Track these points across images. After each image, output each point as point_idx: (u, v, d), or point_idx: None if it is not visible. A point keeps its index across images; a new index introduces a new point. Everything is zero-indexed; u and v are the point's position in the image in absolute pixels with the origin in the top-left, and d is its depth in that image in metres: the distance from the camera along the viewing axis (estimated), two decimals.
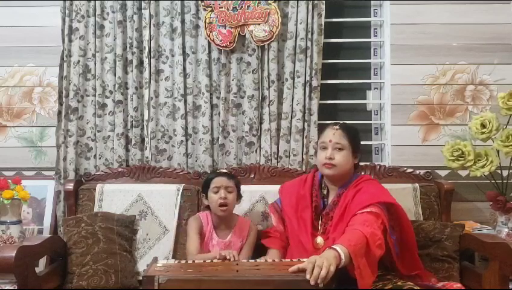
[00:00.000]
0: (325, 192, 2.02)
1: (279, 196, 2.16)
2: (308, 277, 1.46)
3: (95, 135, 2.49)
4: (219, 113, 2.49)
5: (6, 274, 1.87)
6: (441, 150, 2.33)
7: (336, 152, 1.94)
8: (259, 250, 2.10)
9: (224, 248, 2.03)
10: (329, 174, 1.96)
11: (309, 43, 2.46)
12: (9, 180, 2.18)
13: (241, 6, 2.45)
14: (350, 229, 1.74)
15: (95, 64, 2.49)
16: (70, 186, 2.35)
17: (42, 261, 2.28)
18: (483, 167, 2.21)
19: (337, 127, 1.98)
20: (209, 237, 2.08)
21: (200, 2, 2.47)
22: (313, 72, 2.46)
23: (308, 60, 2.46)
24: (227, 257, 1.77)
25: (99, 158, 2.49)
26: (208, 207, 2.13)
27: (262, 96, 2.49)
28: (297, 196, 2.05)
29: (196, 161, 2.50)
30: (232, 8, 2.46)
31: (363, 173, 2.34)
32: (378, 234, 1.73)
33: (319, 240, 1.93)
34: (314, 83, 2.47)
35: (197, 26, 2.50)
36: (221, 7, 2.46)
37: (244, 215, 2.27)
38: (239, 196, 2.14)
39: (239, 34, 2.46)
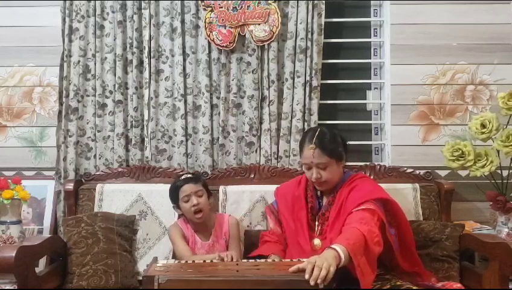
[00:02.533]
0: (319, 193, 2.03)
1: (275, 198, 2.17)
2: (307, 277, 1.46)
3: (95, 135, 2.49)
4: (219, 113, 2.49)
5: (6, 274, 1.87)
6: (441, 150, 2.33)
7: (321, 171, 1.92)
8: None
9: (209, 249, 2.03)
10: (323, 189, 1.99)
11: (309, 43, 2.46)
12: (9, 180, 2.18)
13: (241, 6, 2.45)
14: (347, 228, 1.74)
15: (95, 64, 2.49)
16: (70, 186, 2.35)
17: (42, 261, 2.28)
18: (483, 167, 2.21)
19: (313, 146, 1.89)
20: (193, 242, 2.07)
21: (200, 2, 2.47)
22: (313, 72, 2.46)
23: (308, 60, 2.46)
24: (225, 260, 1.77)
25: (99, 158, 2.49)
26: (183, 215, 2.10)
27: (262, 96, 2.49)
28: (292, 198, 2.05)
29: (196, 161, 2.50)
30: (232, 8, 2.46)
31: (362, 173, 2.34)
32: (376, 231, 1.73)
33: (317, 241, 1.93)
34: (314, 83, 2.47)
35: (197, 26, 2.50)
36: (221, 7, 2.45)
37: (244, 216, 2.28)
38: (209, 195, 2.11)
39: (239, 34, 2.46)
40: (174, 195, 2.07)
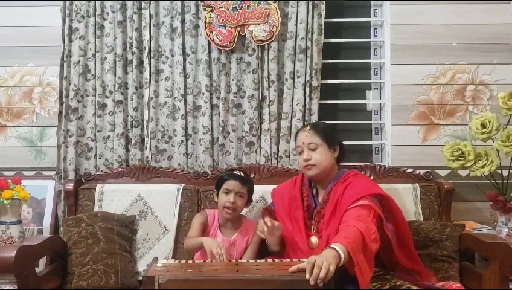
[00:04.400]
0: (314, 191, 2.03)
1: (272, 199, 2.17)
2: (307, 276, 1.46)
3: (95, 135, 2.49)
4: (219, 113, 2.49)
5: (6, 274, 1.87)
6: (441, 150, 2.33)
7: (311, 152, 1.96)
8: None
9: (229, 246, 2.03)
10: (312, 174, 1.98)
11: (309, 43, 2.46)
12: (9, 180, 2.18)
13: (241, 6, 2.45)
14: (345, 226, 1.74)
15: (95, 64, 2.49)
16: (70, 186, 2.35)
17: (42, 261, 2.28)
18: (483, 167, 2.21)
19: (308, 128, 2.02)
20: (213, 234, 2.07)
21: (200, 2, 2.48)
22: (313, 72, 2.47)
23: (308, 60, 2.47)
24: (214, 252, 1.78)
25: (99, 158, 2.49)
26: (217, 203, 2.13)
27: (262, 96, 2.49)
28: (289, 197, 2.06)
29: (196, 161, 2.50)
30: (232, 8, 2.46)
31: (357, 170, 2.34)
32: (373, 227, 1.74)
33: (314, 239, 1.93)
34: (314, 83, 2.47)
35: (197, 26, 2.50)
36: (221, 7, 2.46)
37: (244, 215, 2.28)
38: (249, 201, 2.13)
39: (239, 34, 2.46)
40: (218, 183, 2.09)
